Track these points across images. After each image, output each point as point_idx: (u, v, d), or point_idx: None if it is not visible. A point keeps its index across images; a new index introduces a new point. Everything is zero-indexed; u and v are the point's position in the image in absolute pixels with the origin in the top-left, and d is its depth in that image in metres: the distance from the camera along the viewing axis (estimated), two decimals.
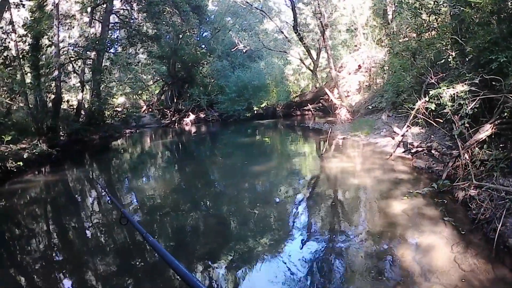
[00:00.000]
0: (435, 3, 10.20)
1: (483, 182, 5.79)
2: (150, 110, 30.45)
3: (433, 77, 8.46)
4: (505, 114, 6.22)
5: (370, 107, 16.67)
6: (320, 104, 26.11)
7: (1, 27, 13.95)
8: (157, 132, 24.54)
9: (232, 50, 29.15)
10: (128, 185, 10.29)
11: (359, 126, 14.74)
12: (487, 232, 4.69)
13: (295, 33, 23.32)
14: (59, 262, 5.28)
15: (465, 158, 6.60)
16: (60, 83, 16.81)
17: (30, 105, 15.05)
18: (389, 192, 7.06)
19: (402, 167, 8.80)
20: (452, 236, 4.79)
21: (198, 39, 30.13)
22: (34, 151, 12.49)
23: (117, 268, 4.94)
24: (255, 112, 26.18)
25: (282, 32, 29.53)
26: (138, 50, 26.75)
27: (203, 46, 30.61)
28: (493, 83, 6.58)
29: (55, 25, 16.04)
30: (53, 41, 16.41)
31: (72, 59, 18.99)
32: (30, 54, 14.74)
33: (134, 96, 31.85)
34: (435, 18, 10.56)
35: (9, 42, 14.62)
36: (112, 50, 22.51)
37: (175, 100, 28.62)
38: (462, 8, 7.87)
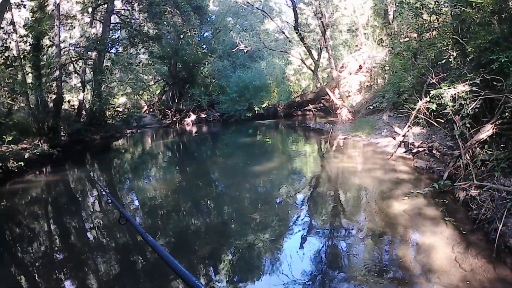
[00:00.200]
0: (436, 3, 10.18)
1: (484, 182, 5.78)
2: (151, 110, 30.43)
3: (434, 77, 8.45)
4: (506, 114, 6.21)
5: (371, 107, 16.65)
6: (321, 104, 26.06)
7: (2, 28, 13.96)
8: (158, 132, 24.54)
9: (233, 50, 29.21)
10: (129, 185, 10.30)
11: (360, 126, 14.73)
12: (488, 232, 4.69)
13: (296, 33, 23.31)
14: (59, 261, 5.28)
15: (466, 158, 6.60)
16: (61, 83, 16.84)
17: (31, 105, 15.07)
18: (390, 192, 7.05)
19: (403, 167, 8.79)
20: (453, 236, 4.79)
21: (199, 39, 30.10)
22: (35, 151, 12.50)
23: (117, 268, 4.94)
24: (256, 112, 26.16)
25: (283, 32, 29.50)
26: (139, 50, 26.82)
27: (204, 46, 30.59)
28: (494, 83, 6.58)
29: (56, 25, 16.06)
30: (54, 42, 16.43)
31: (73, 59, 18.99)
32: (31, 54, 14.75)
33: (135, 96, 31.81)
34: (436, 18, 10.53)
35: (10, 43, 14.64)
36: (113, 50, 22.52)
37: (176, 100, 28.60)
38: (463, 8, 7.85)
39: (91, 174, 12.27)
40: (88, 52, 18.85)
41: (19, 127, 14.03)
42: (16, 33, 14.73)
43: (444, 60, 8.96)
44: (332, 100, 21.27)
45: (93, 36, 19.44)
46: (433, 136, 9.51)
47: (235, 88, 27.03)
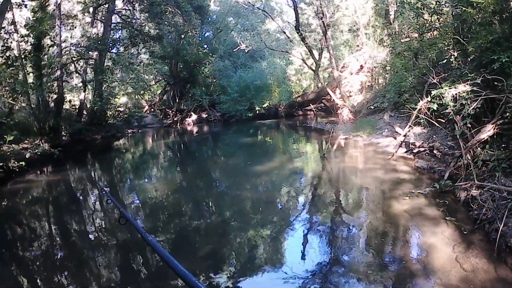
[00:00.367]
0: (437, 3, 10.16)
1: (485, 182, 5.77)
2: (152, 110, 30.46)
3: (435, 77, 8.45)
4: (507, 114, 6.19)
5: (372, 107, 16.65)
6: (322, 104, 26.10)
7: (3, 27, 13.96)
8: (159, 132, 24.56)
9: (234, 50, 29.20)
10: (130, 185, 10.30)
11: (361, 126, 14.72)
12: (489, 232, 4.68)
13: (297, 33, 23.31)
14: (59, 261, 5.29)
15: (467, 158, 6.59)
16: (62, 83, 16.89)
17: (32, 105, 15.09)
18: (391, 192, 7.05)
19: (404, 167, 8.79)
20: (454, 236, 4.78)
21: (200, 39, 30.10)
22: (36, 151, 12.52)
23: (117, 268, 4.95)
24: (257, 112, 26.16)
25: (284, 32, 29.47)
26: (140, 50, 26.80)
27: (205, 46, 30.60)
28: (495, 83, 6.56)
29: (57, 25, 16.10)
30: (55, 41, 16.47)
31: (74, 59, 18.99)
32: (32, 54, 14.75)
33: (136, 96, 31.80)
34: (437, 18, 10.52)
35: (11, 42, 14.64)
36: (114, 50, 22.53)
37: (177, 100, 28.60)
38: (464, 8, 7.84)
39: (92, 174, 12.29)
40: (89, 52, 18.87)
41: (20, 127, 14.03)
42: (17, 33, 14.75)
43: (445, 60, 8.94)
44: (333, 100, 21.27)
45: (94, 36, 19.46)
46: (434, 136, 9.50)
47: (236, 88, 27.04)
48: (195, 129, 24.39)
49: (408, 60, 12.22)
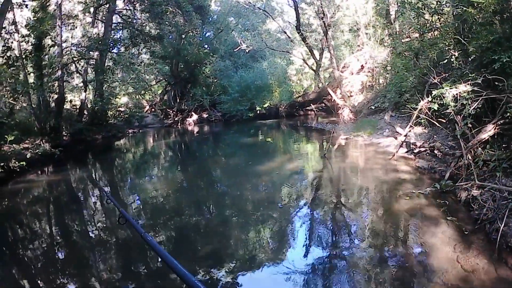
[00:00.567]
0: (438, 3, 10.16)
1: (486, 182, 5.76)
2: (153, 110, 30.46)
3: (435, 77, 8.43)
4: (508, 114, 6.18)
5: (373, 107, 16.66)
6: (323, 104, 26.11)
7: (4, 27, 13.97)
8: (160, 132, 24.56)
9: (235, 50, 29.27)
10: (131, 185, 10.31)
11: (361, 126, 14.72)
12: (490, 232, 4.68)
13: (298, 33, 23.36)
14: (59, 261, 5.30)
15: (468, 158, 6.58)
16: (63, 83, 16.89)
17: (33, 105, 15.11)
18: (392, 192, 7.05)
19: (404, 167, 8.78)
20: (455, 236, 4.78)
21: (201, 39, 30.09)
22: (37, 151, 12.54)
23: (116, 268, 4.95)
24: (258, 112, 26.15)
25: (285, 32, 29.51)
26: (141, 50, 26.81)
27: (206, 46, 30.60)
28: (496, 83, 6.56)
29: (58, 25, 16.11)
30: (56, 41, 16.48)
31: (75, 59, 19.00)
32: (33, 54, 14.75)
33: (137, 96, 31.82)
34: (438, 18, 10.52)
35: (12, 42, 14.64)
36: (115, 50, 22.58)
37: (178, 100, 28.60)
38: (464, 8, 7.83)
39: (93, 174, 12.30)
40: (90, 52, 18.88)
41: (21, 127, 14.04)
42: (18, 33, 14.74)
43: (446, 60, 8.92)
44: (334, 100, 21.28)
45: (95, 36, 19.48)
46: (434, 136, 9.49)
47: (237, 88, 27.04)
48: (196, 129, 24.40)
49: (409, 60, 12.21)
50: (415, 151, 9.36)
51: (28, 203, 8.63)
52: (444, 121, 8.20)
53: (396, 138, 11.04)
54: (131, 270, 4.83)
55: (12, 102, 14.31)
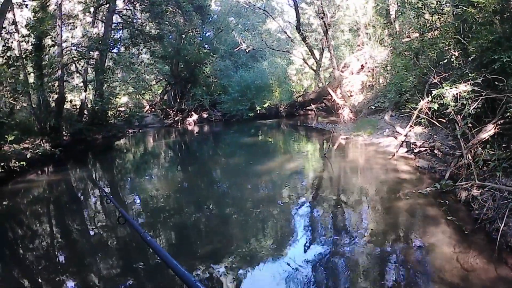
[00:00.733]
0: (438, 2, 10.15)
1: (486, 182, 5.76)
2: (153, 110, 30.46)
3: (435, 77, 8.44)
4: (508, 114, 6.18)
5: (373, 107, 16.67)
6: (323, 104, 26.10)
7: (4, 27, 13.96)
8: (160, 131, 24.56)
9: (235, 50, 29.27)
10: (131, 185, 10.30)
11: (362, 126, 14.72)
12: (490, 232, 4.68)
13: (298, 33, 23.37)
14: (59, 261, 5.30)
15: (468, 158, 6.58)
16: (63, 83, 16.88)
17: (33, 105, 15.11)
18: (392, 192, 7.05)
19: (404, 167, 8.78)
20: (455, 236, 4.78)
21: (201, 39, 30.09)
22: (37, 151, 12.53)
23: (116, 267, 4.95)
24: (258, 112, 26.14)
25: (285, 32, 29.52)
26: (141, 50, 26.77)
27: (206, 46, 30.59)
28: (496, 83, 6.55)
29: (58, 25, 16.10)
30: (56, 41, 16.47)
31: (75, 59, 18.98)
32: (33, 54, 14.75)
33: (137, 96, 31.80)
34: (438, 17, 10.51)
35: (12, 42, 14.64)
36: (115, 50, 22.56)
37: (178, 100, 28.60)
38: (465, 8, 7.83)
39: (93, 174, 12.29)
40: (90, 52, 18.86)
41: (21, 126, 14.03)
42: (18, 33, 14.74)
43: (446, 60, 8.92)
44: (334, 99, 21.30)
45: (95, 36, 19.48)
46: (435, 136, 9.49)
47: (237, 87, 27.02)
48: (196, 129, 24.39)
49: (409, 60, 12.21)
50: (415, 151, 9.36)
51: (28, 203, 8.63)
52: (444, 121, 8.21)
53: (396, 138, 11.04)
54: (130, 269, 4.82)
55: (12, 102, 14.30)
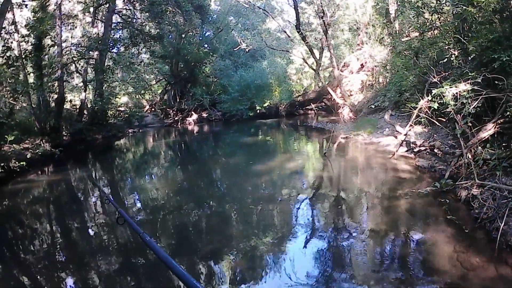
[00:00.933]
0: (438, 2, 10.14)
1: (486, 181, 5.77)
2: (153, 109, 30.41)
3: (435, 76, 8.44)
4: (508, 113, 6.18)
5: (373, 106, 16.66)
6: (323, 103, 26.07)
7: (4, 27, 13.95)
8: (160, 131, 24.54)
9: (235, 49, 29.24)
10: (131, 185, 10.31)
11: (361, 125, 14.72)
12: (490, 231, 4.68)
13: (298, 32, 23.32)
14: (59, 261, 5.29)
15: (468, 157, 6.59)
16: (63, 83, 16.86)
17: (33, 105, 15.11)
18: (392, 191, 7.06)
19: (404, 166, 8.78)
20: (455, 235, 4.78)
21: (200, 38, 30.06)
22: (37, 151, 12.53)
23: (115, 267, 4.94)
24: (258, 111, 26.10)
25: (285, 32, 29.44)
26: (141, 49, 26.72)
27: (206, 45, 30.58)
28: (496, 82, 6.56)
29: (58, 25, 16.10)
30: (56, 41, 16.46)
31: (74, 59, 18.96)
32: (32, 54, 14.74)
33: (137, 96, 31.78)
34: (438, 17, 10.50)
35: (11, 42, 14.62)
36: (114, 50, 22.51)
37: (178, 100, 28.56)
38: (464, 7, 7.83)
39: (93, 174, 12.29)
40: (90, 52, 18.86)
41: (21, 127, 14.05)
42: (18, 33, 14.72)
43: (446, 59, 8.92)
44: (334, 99, 21.28)
45: (94, 35, 19.48)
46: (434, 135, 9.49)
47: (237, 87, 26.98)
48: (196, 129, 24.38)
49: (409, 59, 12.20)
50: (415, 150, 9.36)
51: (28, 203, 8.63)
52: (444, 120, 8.21)
53: (396, 137, 11.04)
54: (129, 269, 4.82)
55: (12, 102, 14.29)
